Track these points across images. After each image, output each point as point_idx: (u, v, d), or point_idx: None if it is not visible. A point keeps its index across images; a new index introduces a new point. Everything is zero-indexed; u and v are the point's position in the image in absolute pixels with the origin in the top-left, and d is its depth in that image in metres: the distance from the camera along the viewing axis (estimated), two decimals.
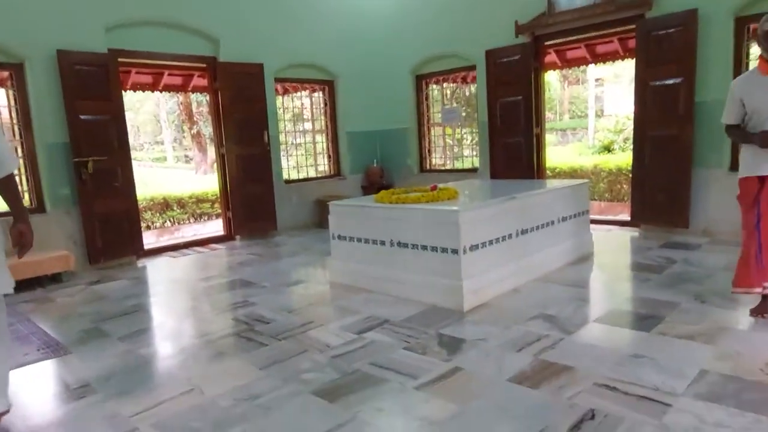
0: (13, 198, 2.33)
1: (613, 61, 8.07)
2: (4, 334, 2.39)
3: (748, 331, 3.11)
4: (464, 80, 8.30)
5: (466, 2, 7.31)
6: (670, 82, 5.64)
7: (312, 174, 8.49)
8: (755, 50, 5.60)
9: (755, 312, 3.29)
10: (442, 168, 8.55)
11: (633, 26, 5.91)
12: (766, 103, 3.05)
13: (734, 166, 5.53)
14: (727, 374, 2.56)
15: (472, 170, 7.88)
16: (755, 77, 3.12)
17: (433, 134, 8.57)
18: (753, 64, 5.62)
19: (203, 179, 17.08)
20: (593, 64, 9.19)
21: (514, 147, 7.03)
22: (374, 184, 8.36)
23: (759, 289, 3.18)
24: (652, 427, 2.15)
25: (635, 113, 6.06)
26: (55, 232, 5.62)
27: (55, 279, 5.32)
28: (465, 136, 8.50)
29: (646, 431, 2.12)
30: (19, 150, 5.55)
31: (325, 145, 8.57)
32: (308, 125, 8.77)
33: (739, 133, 3.24)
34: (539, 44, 6.76)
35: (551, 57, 7.75)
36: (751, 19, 5.30)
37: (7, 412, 2.44)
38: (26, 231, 2.28)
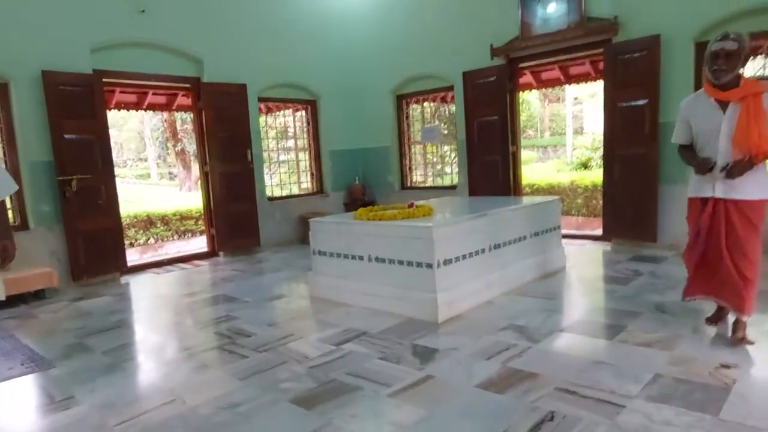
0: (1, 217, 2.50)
1: (586, 82, 8.40)
2: None
3: (703, 338, 3.31)
4: (443, 100, 8.57)
5: (443, 25, 7.59)
6: (637, 103, 5.93)
7: (295, 191, 8.64)
8: None
9: (710, 320, 3.49)
10: (423, 185, 8.76)
11: (601, 50, 6.22)
12: (709, 126, 3.05)
13: None
14: (679, 377, 2.74)
15: (452, 187, 8.09)
16: (701, 99, 3.12)
17: (413, 152, 8.80)
18: None
19: (187, 196, 17.12)
20: (568, 85, 9.54)
21: (492, 164, 7.26)
22: (356, 201, 8.53)
23: (701, 295, 3.30)
24: (606, 427, 2.31)
25: (605, 132, 6.34)
26: (38, 249, 5.68)
27: (38, 296, 5.37)
28: (448, 153, 8.74)
29: (601, 430, 2.29)
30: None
31: (308, 162, 8.74)
32: (291, 143, 8.95)
33: (686, 155, 3.26)
34: (514, 66, 7.05)
35: (527, 78, 8.05)
36: None
37: None
38: (9, 245, 2.46)
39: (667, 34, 5.70)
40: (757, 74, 5.60)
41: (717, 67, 2.92)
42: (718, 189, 3.06)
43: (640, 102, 5.89)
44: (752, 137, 2.86)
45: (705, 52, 3.07)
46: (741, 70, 2.96)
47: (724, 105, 2.99)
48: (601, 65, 7.04)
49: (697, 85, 5.72)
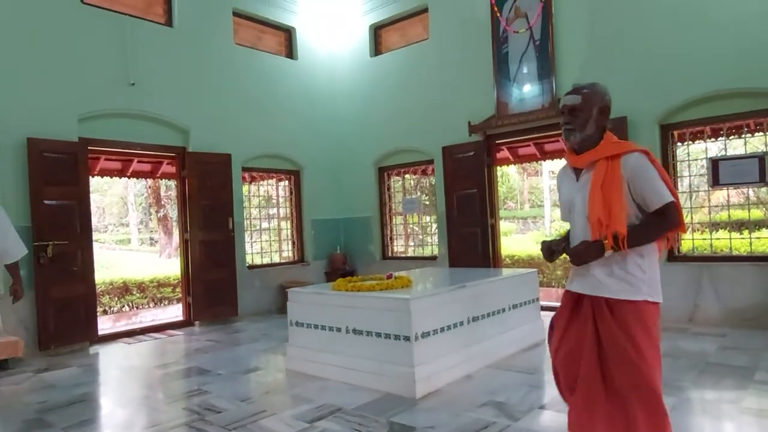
0: (14, 271, 3.73)
1: (561, 158, 8.72)
2: None
3: (681, 416, 3.27)
4: (424, 172, 8.80)
5: (424, 103, 7.95)
6: None
7: (276, 259, 8.61)
8: (681, 152, 6.26)
9: None
10: (404, 255, 8.80)
11: None
12: (568, 199, 2.42)
13: (671, 257, 5.97)
14: None
15: (432, 258, 8.15)
16: (567, 168, 2.47)
17: (395, 222, 8.91)
18: (680, 165, 6.28)
19: (167, 263, 16.87)
20: (543, 161, 9.90)
21: (471, 236, 7.37)
22: (337, 270, 8.51)
23: None
24: None
25: None
26: (6, 317, 5.47)
27: (1, 366, 5.13)
28: (429, 223, 8.89)
29: None
30: None
31: (289, 231, 8.78)
32: (274, 211, 9.02)
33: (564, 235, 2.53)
34: (491, 142, 7.34)
35: (504, 153, 8.36)
36: (674, 126, 5.97)
37: None
38: (19, 289, 3.68)
39: (632, 117, 6.04)
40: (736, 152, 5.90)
41: (563, 125, 2.33)
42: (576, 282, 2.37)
43: None
44: (596, 211, 2.20)
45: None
46: (607, 129, 2.33)
47: (579, 173, 2.37)
48: None
49: (664, 164, 6.01)
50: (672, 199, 2.16)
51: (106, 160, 7.56)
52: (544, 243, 2.40)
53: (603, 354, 2.21)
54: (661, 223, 2.19)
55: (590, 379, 2.23)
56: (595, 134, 2.29)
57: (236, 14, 7.91)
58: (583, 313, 2.32)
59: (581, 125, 2.28)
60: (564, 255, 2.34)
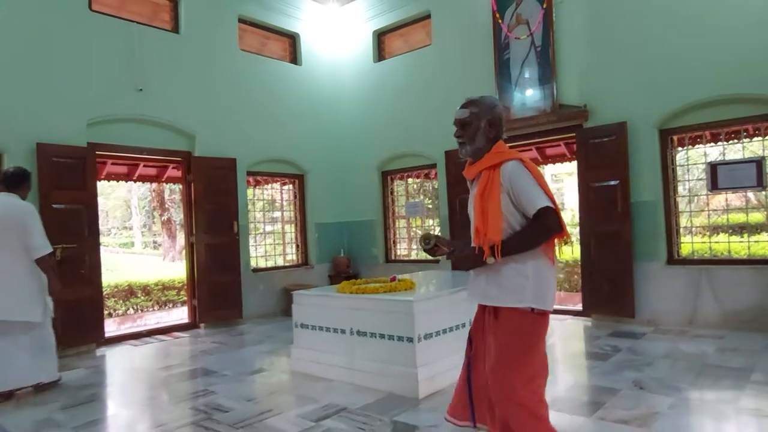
0: (44, 267, 4.32)
1: (562, 162, 8.81)
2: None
3: (679, 416, 3.34)
4: (427, 176, 8.89)
5: (427, 108, 8.04)
6: (608, 183, 6.24)
7: (280, 263, 8.69)
8: (680, 157, 6.33)
9: None
10: (407, 258, 8.88)
11: (573, 134, 6.62)
12: (470, 210, 2.44)
13: (671, 260, 6.04)
14: None
15: (435, 261, 8.21)
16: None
17: (398, 226, 8.99)
18: (679, 170, 6.34)
19: (171, 266, 16.97)
20: (545, 165, 9.97)
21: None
22: (341, 273, 8.59)
23: (466, 423, 2.46)
24: None
25: (580, 210, 6.62)
26: None
27: None
28: (432, 227, 8.96)
29: None
30: None
31: (293, 234, 8.86)
32: (278, 214, 9.11)
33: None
34: None
35: None
36: (673, 131, 6.04)
37: None
38: (56, 288, 4.48)
39: (632, 122, 6.12)
40: (732, 157, 5.98)
41: (456, 138, 2.44)
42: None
43: (612, 182, 6.20)
44: (475, 220, 2.28)
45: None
46: (500, 139, 2.39)
47: (472, 183, 2.47)
48: (574, 147, 7.47)
49: (663, 168, 6.09)
50: (546, 204, 2.15)
51: (112, 164, 7.67)
52: (428, 233, 2.41)
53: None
54: (538, 228, 2.18)
55: (485, 394, 2.29)
56: (485, 146, 2.35)
57: (241, 21, 8.03)
58: (484, 322, 2.37)
59: (470, 138, 2.36)
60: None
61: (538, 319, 2.21)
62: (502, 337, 2.21)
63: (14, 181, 4.49)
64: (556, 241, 2.26)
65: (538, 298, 2.19)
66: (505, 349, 2.18)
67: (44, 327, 4.51)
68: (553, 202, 2.19)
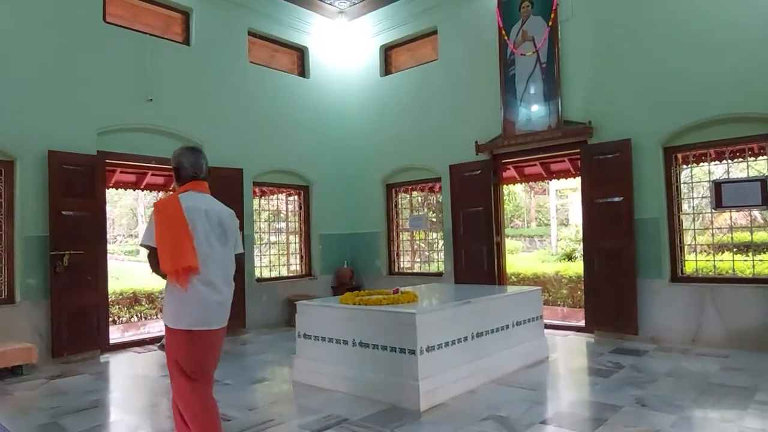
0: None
1: (566, 178, 8.84)
2: None
3: None
4: (431, 190, 8.94)
5: (433, 122, 8.12)
6: (613, 199, 6.27)
7: (284, 273, 8.73)
8: (685, 174, 6.36)
9: None
10: (410, 271, 8.90)
11: (578, 150, 6.66)
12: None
13: (674, 278, 6.04)
14: None
15: (438, 274, 8.24)
16: None
17: (402, 238, 9.03)
18: (683, 188, 6.37)
19: None
20: (549, 180, 10.02)
21: (477, 253, 7.47)
22: (344, 284, 8.61)
23: None
24: None
25: (584, 226, 6.64)
26: (21, 324, 5.64)
27: (15, 372, 5.26)
28: (435, 240, 9.00)
29: None
30: None
31: (298, 245, 8.91)
32: (283, 225, 9.16)
33: None
34: (497, 161, 7.48)
35: (510, 172, 8.48)
36: (678, 149, 6.08)
37: None
38: None
39: (636, 139, 6.16)
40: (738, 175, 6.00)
41: None
42: None
43: (616, 199, 6.23)
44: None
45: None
46: (183, 184, 3.06)
47: None
48: (579, 163, 7.51)
49: (668, 185, 6.12)
50: (145, 243, 2.71)
51: (121, 172, 7.74)
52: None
53: None
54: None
55: None
56: (176, 189, 2.98)
57: (251, 34, 8.16)
58: None
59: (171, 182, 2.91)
60: None
61: (176, 334, 2.76)
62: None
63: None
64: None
65: (170, 318, 2.76)
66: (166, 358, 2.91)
67: None
68: (159, 243, 2.66)
